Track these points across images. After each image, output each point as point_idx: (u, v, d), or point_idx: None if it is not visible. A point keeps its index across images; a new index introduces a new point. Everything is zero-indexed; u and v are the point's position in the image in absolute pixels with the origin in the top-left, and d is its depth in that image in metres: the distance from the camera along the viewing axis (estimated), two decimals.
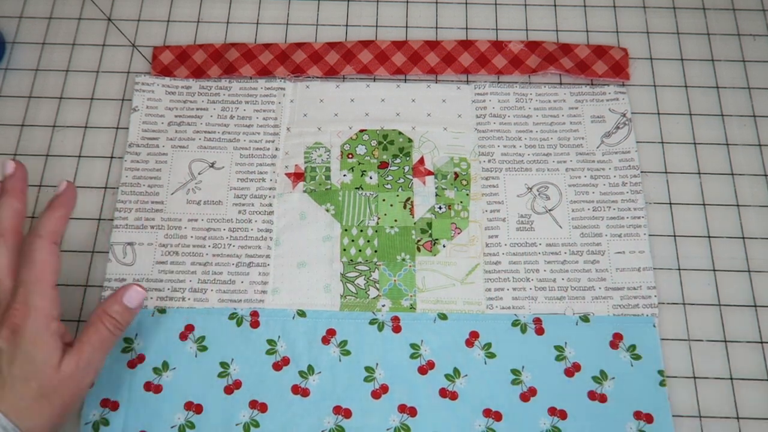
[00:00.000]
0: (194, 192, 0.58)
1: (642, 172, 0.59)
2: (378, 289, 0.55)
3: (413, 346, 0.53)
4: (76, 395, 0.45)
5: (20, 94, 0.62)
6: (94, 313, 0.47)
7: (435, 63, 0.62)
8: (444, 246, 0.56)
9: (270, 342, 0.53)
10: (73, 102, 0.61)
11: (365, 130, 0.60)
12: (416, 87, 0.62)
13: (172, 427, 0.51)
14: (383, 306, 0.54)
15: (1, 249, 0.46)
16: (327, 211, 0.57)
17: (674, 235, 0.57)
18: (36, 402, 0.43)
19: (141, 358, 0.52)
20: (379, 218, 0.57)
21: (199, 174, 0.59)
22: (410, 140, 0.60)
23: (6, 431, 0.41)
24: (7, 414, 0.41)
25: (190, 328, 0.53)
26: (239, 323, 0.54)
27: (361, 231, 0.57)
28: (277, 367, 0.52)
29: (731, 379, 0.53)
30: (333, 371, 0.52)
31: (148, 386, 0.52)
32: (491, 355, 0.53)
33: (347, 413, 0.51)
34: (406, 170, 0.59)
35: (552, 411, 0.51)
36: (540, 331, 0.54)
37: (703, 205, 0.58)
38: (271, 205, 0.58)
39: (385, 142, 0.60)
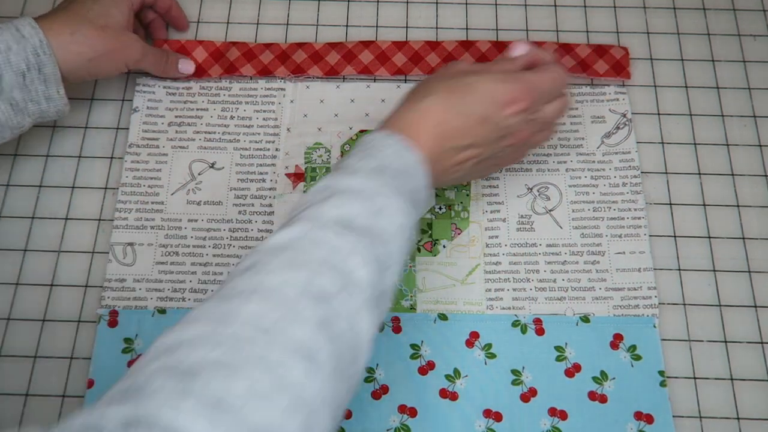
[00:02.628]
0: (194, 192, 0.58)
1: (642, 172, 0.59)
2: None
3: (413, 346, 0.53)
4: (114, 60, 0.55)
5: None
6: (166, 50, 0.61)
7: (436, 63, 0.62)
8: (444, 246, 0.56)
9: None
10: (73, 102, 0.61)
11: (365, 130, 0.60)
12: None
13: None
14: None
15: None
16: None
17: (674, 236, 0.57)
18: (86, 35, 0.52)
19: None
20: None
21: (199, 174, 0.59)
22: None
23: (39, 40, 0.49)
24: (47, 33, 0.50)
25: None
26: None
27: None
28: None
29: (731, 379, 0.53)
30: None
31: None
32: (491, 356, 0.53)
33: (348, 414, 0.51)
34: None
35: (552, 411, 0.51)
36: (540, 331, 0.54)
37: (703, 205, 0.58)
38: (271, 205, 0.58)
39: None
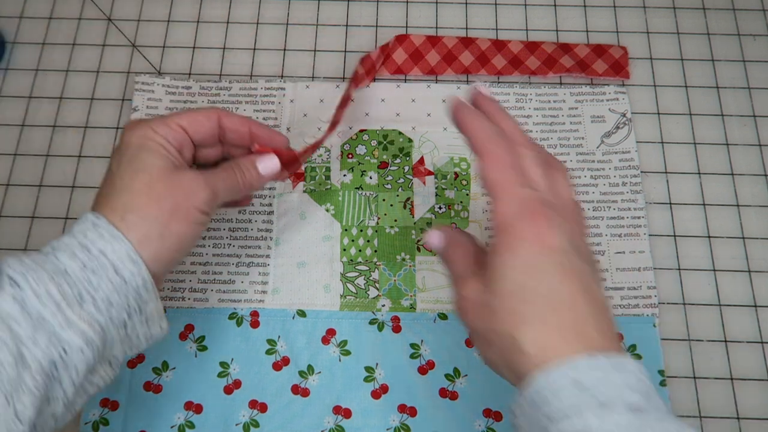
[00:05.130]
0: None
1: (642, 172, 0.59)
2: (378, 289, 0.55)
3: (413, 346, 0.53)
4: (186, 219, 0.41)
5: (20, 94, 0.62)
6: (233, 161, 0.45)
7: (436, 62, 0.62)
8: None
9: (270, 342, 0.53)
10: (73, 102, 0.61)
11: (365, 130, 0.60)
12: (416, 87, 0.62)
13: (172, 427, 0.50)
14: (383, 306, 0.54)
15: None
16: (327, 211, 0.57)
17: (674, 235, 0.57)
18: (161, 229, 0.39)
19: (141, 358, 0.52)
20: (379, 218, 0.57)
21: None
22: (410, 140, 0.60)
23: (135, 264, 0.38)
24: (136, 245, 0.38)
25: (189, 328, 0.53)
26: (239, 323, 0.54)
27: (361, 231, 0.57)
28: (277, 367, 0.52)
29: (731, 379, 0.53)
30: (333, 371, 0.52)
31: (148, 386, 0.52)
32: None
33: (347, 413, 0.51)
34: (406, 170, 0.59)
35: None
36: None
37: (703, 205, 0.58)
38: (271, 204, 0.58)
39: (385, 142, 0.60)
